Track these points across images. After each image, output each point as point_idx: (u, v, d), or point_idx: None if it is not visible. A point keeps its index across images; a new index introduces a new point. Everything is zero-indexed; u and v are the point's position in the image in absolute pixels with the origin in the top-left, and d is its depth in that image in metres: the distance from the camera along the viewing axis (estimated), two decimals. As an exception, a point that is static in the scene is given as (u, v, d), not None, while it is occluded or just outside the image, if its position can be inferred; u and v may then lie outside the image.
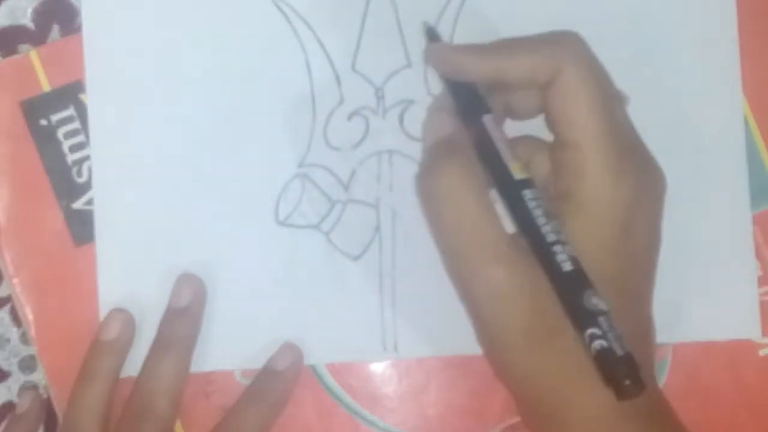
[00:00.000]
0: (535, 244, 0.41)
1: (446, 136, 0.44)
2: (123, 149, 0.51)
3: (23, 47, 0.52)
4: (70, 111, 0.51)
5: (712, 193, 0.51)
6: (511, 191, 0.42)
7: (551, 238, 0.40)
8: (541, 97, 0.44)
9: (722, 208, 0.51)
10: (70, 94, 0.51)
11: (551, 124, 0.43)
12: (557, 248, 0.40)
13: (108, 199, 0.51)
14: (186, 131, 0.51)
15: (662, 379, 0.50)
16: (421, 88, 0.51)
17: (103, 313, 0.50)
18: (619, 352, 0.38)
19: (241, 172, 0.51)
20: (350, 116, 0.51)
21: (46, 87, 0.51)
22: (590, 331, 0.38)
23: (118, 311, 0.49)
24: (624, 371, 0.38)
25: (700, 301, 0.50)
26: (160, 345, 0.49)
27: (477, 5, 0.51)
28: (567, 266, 0.39)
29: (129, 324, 0.50)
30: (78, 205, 0.51)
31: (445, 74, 0.46)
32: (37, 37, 0.52)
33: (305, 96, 0.51)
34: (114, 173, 0.51)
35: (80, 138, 0.51)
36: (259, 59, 0.51)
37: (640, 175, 0.42)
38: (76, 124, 0.51)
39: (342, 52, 0.51)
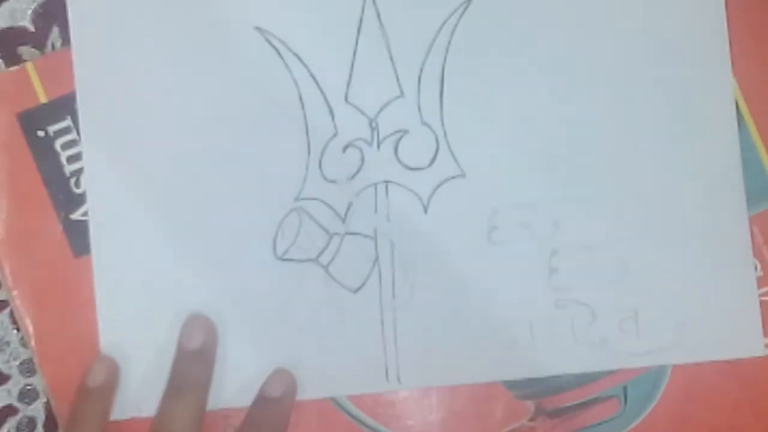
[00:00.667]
0: None
1: None
2: (117, 185, 0.51)
3: (23, 49, 0.52)
4: (67, 122, 0.51)
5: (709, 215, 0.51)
6: None
7: None
8: None
9: (721, 227, 0.51)
10: (67, 105, 0.51)
11: None
12: None
13: (103, 219, 0.51)
14: (180, 169, 0.51)
15: (664, 381, 0.51)
16: (415, 118, 0.51)
17: (102, 325, 0.50)
18: None
19: (238, 207, 0.51)
20: (345, 148, 0.51)
21: (42, 98, 0.51)
22: None
23: (104, 358, 0.50)
24: None
25: (701, 320, 0.50)
26: (175, 387, 0.49)
27: (467, 36, 0.51)
28: None
29: (114, 371, 0.50)
30: (76, 215, 0.51)
31: None
32: (36, 39, 0.52)
33: (299, 129, 0.51)
34: (109, 204, 0.51)
35: (78, 149, 0.51)
36: (251, 93, 0.51)
37: None
38: (74, 135, 0.51)
39: (334, 85, 0.51)
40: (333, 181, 0.51)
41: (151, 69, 0.51)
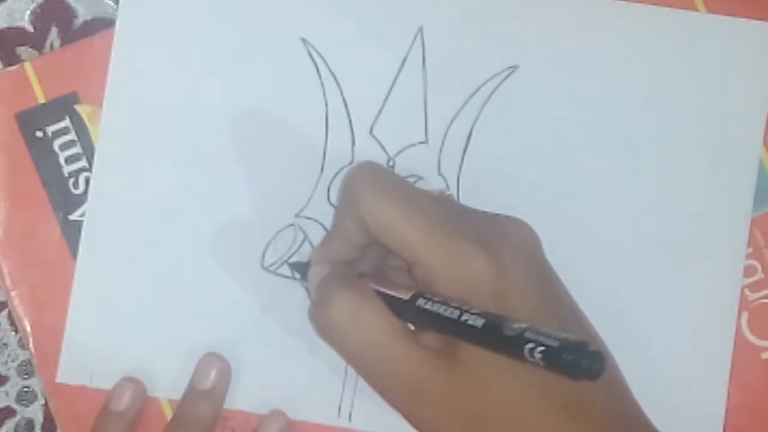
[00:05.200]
0: (453, 331, 0.41)
1: (327, 272, 0.45)
2: (125, 168, 0.51)
3: (21, 49, 0.52)
4: (65, 122, 0.51)
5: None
6: (409, 311, 0.42)
7: (456, 314, 0.40)
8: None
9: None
10: (65, 105, 0.51)
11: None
12: (465, 317, 0.40)
13: (100, 217, 0.50)
14: (191, 160, 0.51)
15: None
16: (433, 167, 0.51)
17: (71, 323, 0.50)
18: (557, 343, 0.37)
19: (237, 210, 0.50)
20: (356, 179, 0.51)
21: (41, 98, 0.51)
22: (527, 348, 0.37)
23: (128, 380, 0.49)
24: (574, 355, 0.36)
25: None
26: (178, 424, 0.49)
27: (505, 100, 0.51)
28: (479, 322, 0.39)
29: (139, 394, 0.49)
30: (75, 216, 0.51)
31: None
32: (35, 39, 0.52)
33: (317, 149, 0.51)
34: (111, 191, 0.51)
35: (76, 149, 0.51)
36: (280, 103, 0.51)
37: (491, 247, 0.41)
38: (72, 136, 0.51)
39: (363, 114, 0.51)
40: (337, 207, 0.50)
41: (188, 61, 0.51)
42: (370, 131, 0.51)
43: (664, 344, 0.51)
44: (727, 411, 0.51)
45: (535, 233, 0.44)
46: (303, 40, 0.51)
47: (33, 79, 0.51)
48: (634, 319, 0.50)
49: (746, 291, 0.51)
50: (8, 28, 0.52)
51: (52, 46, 0.52)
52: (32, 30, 0.52)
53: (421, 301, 0.42)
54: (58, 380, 0.50)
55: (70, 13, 0.52)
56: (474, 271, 0.41)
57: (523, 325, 0.38)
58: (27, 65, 0.51)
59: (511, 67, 0.51)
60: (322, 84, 0.51)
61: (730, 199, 0.51)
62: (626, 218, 0.51)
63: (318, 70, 0.51)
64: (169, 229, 0.50)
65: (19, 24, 0.52)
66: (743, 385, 0.51)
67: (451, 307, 0.40)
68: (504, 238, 0.42)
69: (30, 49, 0.52)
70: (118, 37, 0.50)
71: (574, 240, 0.51)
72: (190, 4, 0.51)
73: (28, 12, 0.52)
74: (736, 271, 0.51)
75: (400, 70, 0.51)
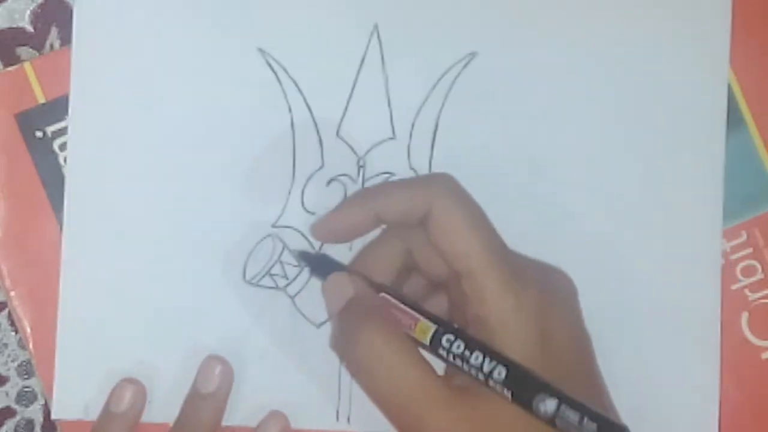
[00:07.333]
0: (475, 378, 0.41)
1: (351, 298, 0.44)
2: (98, 181, 0.51)
3: (21, 49, 0.52)
4: (65, 122, 0.51)
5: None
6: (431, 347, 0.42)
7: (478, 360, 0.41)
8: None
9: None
10: (65, 105, 0.51)
11: (442, 258, 0.44)
12: (491, 366, 0.40)
13: (79, 226, 0.51)
14: (161, 177, 0.51)
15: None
16: (403, 162, 0.50)
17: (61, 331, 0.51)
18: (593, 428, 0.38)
19: (214, 224, 0.50)
20: (329, 182, 0.50)
21: (41, 98, 0.51)
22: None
23: (129, 381, 0.50)
24: None
25: (659, 405, 0.50)
26: (183, 428, 0.49)
27: (467, 88, 0.50)
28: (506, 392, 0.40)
29: (140, 395, 0.50)
30: None
31: (337, 241, 0.48)
32: (35, 39, 0.52)
33: (287, 156, 0.50)
34: (87, 203, 0.51)
35: None
36: (244, 114, 0.50)
37: (541, 285, 0.42)
38: None
39: (328, 117, 0.50)
40: (312, 213, 0.50)
41: (147, 77, 0.51)
42: (337, 133, 0.50)
43: (651, 345, 0.50)
44: (726, 411, 0.50)
45: (574, 284, 0.45)
46: (260, 50, 0.50)
47: (33, 79, 0.51)
48: (624, 319, 0.50)
49: (746, 291, 0.50)
50: (8, 28, 0.52)
51: (52, 46, 0.53)
52: (32, 30, 0.52)
53: (443, 340, 0.42)
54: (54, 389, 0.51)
55: (70, 13, 0.52)
56: (524, 300, 0.42)
57: (555, 401, 0.39)
58: (27, 65, 0.51)
59: (469, 53, 0.50)
60: (284, 91, 0.50)
61: (701, 181, 0.50)
62: (595, 200, 0.50)
63: (278, 78, 0.50)
64: (147, 245, 0.50)
65: (19, 24, 0.52)
66: (743, 385, 0.50)
67: (475, 357, 0.41)
68: (550, 284, 0.44)
69: (30, 49, 0.53)
70: (76, 54, 0.50)
71: (539, 222, 0.50)
72: (147, 21, 0.51)
73: (28, 12, 0.52)
74: (713, 261, 0.50)
75: (359, 70, 0.50)
